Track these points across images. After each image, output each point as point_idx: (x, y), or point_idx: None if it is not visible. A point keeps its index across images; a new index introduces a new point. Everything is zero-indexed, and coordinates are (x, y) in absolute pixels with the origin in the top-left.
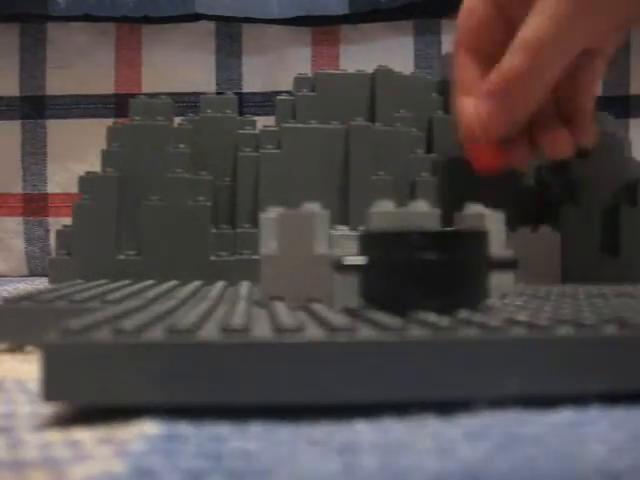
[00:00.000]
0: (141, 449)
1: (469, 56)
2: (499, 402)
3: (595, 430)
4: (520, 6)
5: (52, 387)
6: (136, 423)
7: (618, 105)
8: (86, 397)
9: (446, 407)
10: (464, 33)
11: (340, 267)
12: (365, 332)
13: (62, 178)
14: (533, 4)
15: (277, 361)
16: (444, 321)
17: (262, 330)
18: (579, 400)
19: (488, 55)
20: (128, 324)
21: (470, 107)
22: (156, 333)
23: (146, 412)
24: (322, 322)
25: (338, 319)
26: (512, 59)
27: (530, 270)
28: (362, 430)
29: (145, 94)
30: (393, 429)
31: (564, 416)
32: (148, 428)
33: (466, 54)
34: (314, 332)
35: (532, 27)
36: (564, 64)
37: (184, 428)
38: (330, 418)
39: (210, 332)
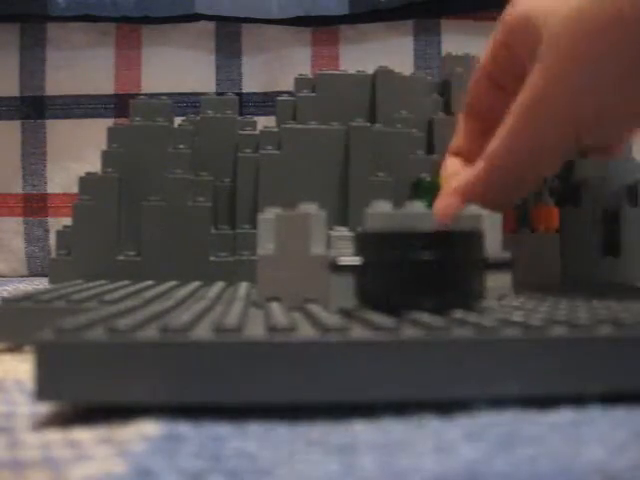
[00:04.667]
0: (141, 449)
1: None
2: (499, 402)
3: (595, 430)
4: (512, 80)
5: (45, 386)
6: (136, 423)
7: None
8: (80, 396)
9: (446, 407)
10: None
11: (336, 267)
12: (358, 332)
13: (62, 178)
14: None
15: (269, 361)
16: (438, 321)
17: (255, 330)
18: (579, 400)
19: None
20: (121, 323)
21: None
22: (149, 332)
23: (146, 412)
24: (316, 322)
25: (332, 319)
26: (476, 167)
27: (530, 271)
28: (362, 430)
29: (145, 94)
30: (393, 429)
31: (564, 416)
32: (148, 428)
33: (469, 117)
34: (307, 332)
35: (496, 138)
36: (525, 177)
37: (184, 428)
38: (329, 418)
39: (202, 332)
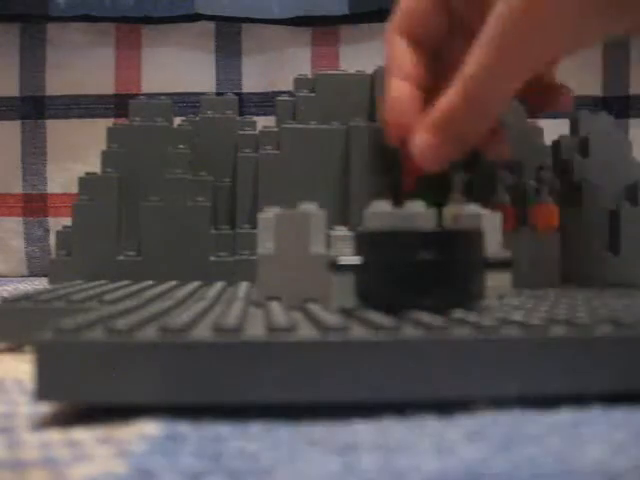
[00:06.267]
0: (141, 449)
1: (405, 40)
2: (499, 402)
3: (595, 430)
4: (470, 9)
5: (45, 386)
6: (136, 423)
7: (618, 105)
8: (80, 396)
9: (446, 407)
10: (403, 17)
11: (336, 267)
12: (358, 332)
13: (62, 178)
14: (481, 25)
15: (269, 361)
16: (438, 321)
17: (255, 330)
18: (579, 400)
19: (425, 43)
20: (121, 323)
21: (414, 138)
22: (148, 333)
23: (146, 412)
24: (316, 322)
25: (332, 319)
26: (451, 94)
27: (530, 270)
28: (362, 430)
29: (145, 94)
30: (393, 429)
31: (564, 416)
32: (148, 428)
33: (402, 37)
34: (307, 332)
35: (473, 60)
36: (505, 95)
37: (184, 428)
38: (330, 418)
39: (202, 332)
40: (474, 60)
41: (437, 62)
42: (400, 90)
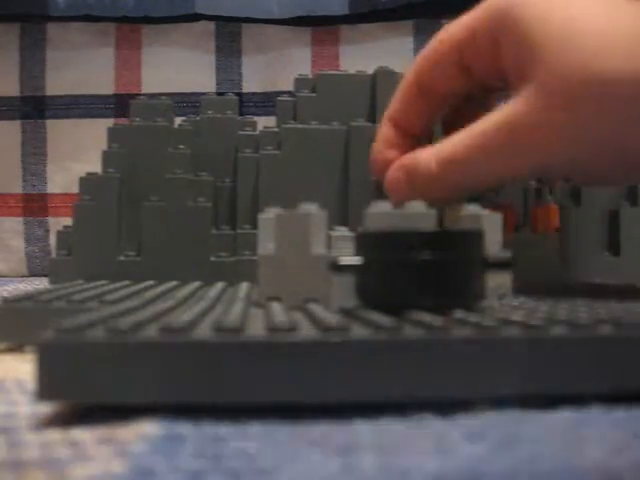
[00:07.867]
0: (141, 449)
1: (415, 88)
2: (499, 402)
3: (595, 430)
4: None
5: (46, 386)
6: (136, 423)
7: None
8: (81, 396)
9: (446, 407)
10: (419, 67)
11: (336, 267)
12: (358, 332)
13: (62, 178)
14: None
15: (269, 361)
16: (438, 321)
17: (256, 330)
18: (579, 400)
19: (437, 95)
20: (122, 323)
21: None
22: (150, 332)
23: (146, 412)
24: (316, 322)
25: (332, 319)
26: (426, 158)
27: (530, 270)
28: (362, 430)
29: (145, 94)
30: (393, 429)
31: (564, 416)
32: (148, 428)
33: (413, 85)
34: (307, 332)
35: (456, 141)
36: (476, 186)
37: (184, 428)
38: (330, 418)
39: (203, 331)
40: (457, 142)
41: (457, 113)
42: (386, 134)
